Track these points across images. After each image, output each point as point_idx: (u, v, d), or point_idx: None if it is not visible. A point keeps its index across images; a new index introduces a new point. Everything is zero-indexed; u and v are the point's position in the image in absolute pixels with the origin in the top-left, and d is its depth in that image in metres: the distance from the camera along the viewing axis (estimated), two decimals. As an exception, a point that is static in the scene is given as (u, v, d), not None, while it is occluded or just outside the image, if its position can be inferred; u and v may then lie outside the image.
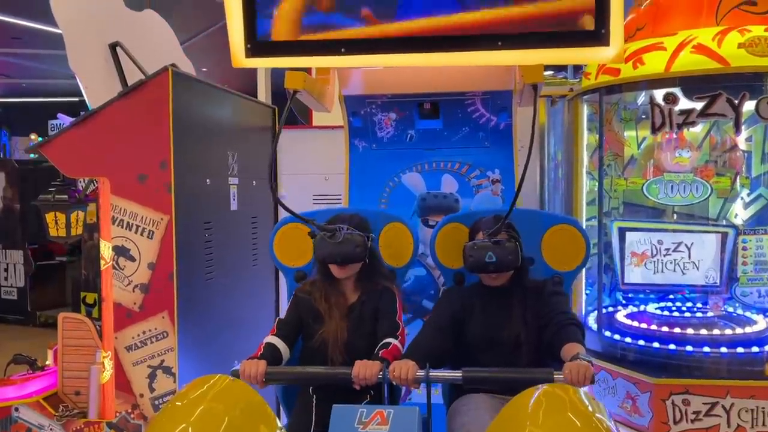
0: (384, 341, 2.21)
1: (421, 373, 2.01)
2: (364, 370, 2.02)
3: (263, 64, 2.33)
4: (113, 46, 3.02)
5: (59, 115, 4.86)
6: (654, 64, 3.13)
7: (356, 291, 2.41)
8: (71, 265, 7.66)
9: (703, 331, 3.27)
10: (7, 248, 7.70)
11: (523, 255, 2.30)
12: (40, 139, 13.85)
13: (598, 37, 2.07)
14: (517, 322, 2.27)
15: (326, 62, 2.42)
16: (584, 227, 3.77)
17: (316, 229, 2.33)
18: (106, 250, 2.67)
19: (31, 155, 12.97)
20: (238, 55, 2.24)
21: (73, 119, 2.71)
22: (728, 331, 3.28)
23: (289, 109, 2.39)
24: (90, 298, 6.85)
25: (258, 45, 2.22)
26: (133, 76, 3.03)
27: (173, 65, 2.65)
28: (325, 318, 2.35)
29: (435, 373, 2.03)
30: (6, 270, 7.73)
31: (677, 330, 3.30)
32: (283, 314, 2.47)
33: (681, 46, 3.07)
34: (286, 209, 2.34)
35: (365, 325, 2.34)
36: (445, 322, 2.34)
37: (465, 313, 2.35)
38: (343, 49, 2.19)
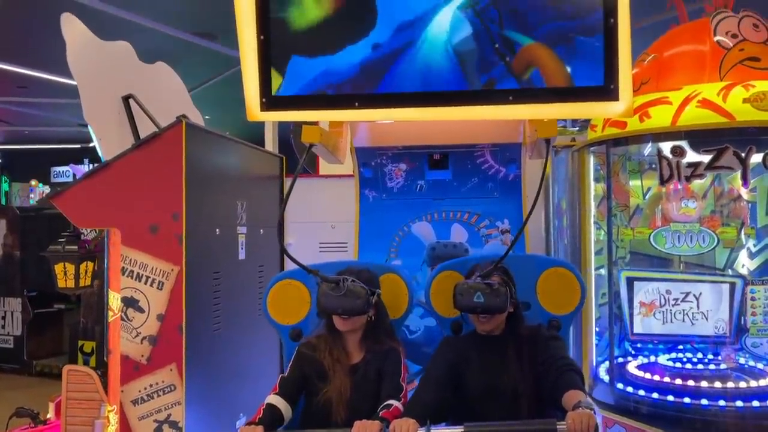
0: (386, 402, 2.17)
1: (422, 430, 1.97)
2: (364, 430, 1.97)
3: (277, 117, 2.35)
4: (126, 98, 3.07)
5: (71, 165, 4.88)
6: (660, 117, 3.18)
7: (361, 350, 2.38)
8: (69, 312, 7.59)
9: (718, 384, 3.22)
10: (5, 296, 7.64)
11: (516, 301, 2.30)
12: (40, 185, 13.94)
13: (608, 92, 2.10)
14: (515, 371, 2.24)
15: (340, 116, 2.44)
16: (593, 276, 3.79)
17: (319, 279, 2.31)
18: (114, 301, 2.65)
19: (31, 201, 13.02)
20: (253, 109, 2.26)
21: (86, 171, 2.72)
22: (743, 384, 3.23)
23: (304, 161, 2.41)
24: (88, 346, 6.76)
25: (272, 99, 2.24)
26: (145, 127, 3.06)
27: (184, 116, 2.69)
28: (329, 374, 2.31)
29: (436, 430, 2.00)
30: (3, 318, 7.65)
31: (691, 383, 3.25)
32: (286, 369, 2.43)
33: (687, 101, 3.12)
34: (292, 259, 2.31)
35: (369, 386, 2.30)
36: (442, 374, 2.30)
37: (462, 364, 2.32)
38: (356, 104, 2.22)
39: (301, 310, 2.59)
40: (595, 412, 1.90)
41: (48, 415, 3.50)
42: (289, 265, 3.10)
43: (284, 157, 3.98)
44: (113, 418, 2.62)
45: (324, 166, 4.82)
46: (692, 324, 3.59)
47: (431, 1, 2.10)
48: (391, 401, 2.17)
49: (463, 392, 2.30)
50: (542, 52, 2.10)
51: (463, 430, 1.98)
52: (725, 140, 3.15)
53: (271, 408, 2.23)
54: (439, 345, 2.46)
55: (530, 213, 2.21)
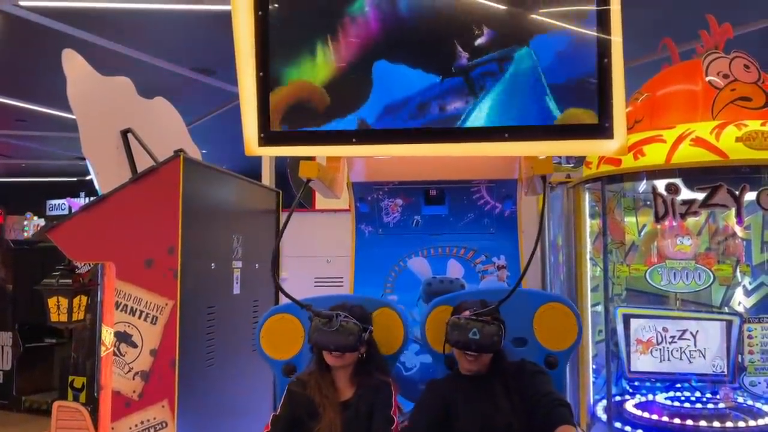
0: None
1: None
2: None
3: (276, 152, 2.37)
4: (125, 133, 3.09)
5: (68, 199, 4.88)
6: (654, 155, 3.22)
7: (351, 386, 2.34)
8: (60, 347, 7.48)
9: (716, 424, 3.19)
10: (-4, 329, 7.53)
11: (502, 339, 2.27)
12: (35, 218, 13.89)
13: (602, 130, 2.12)
14: (505, 410, 2.20)
15: (337, 151, 2.46)
16: (589, 313, 3.77)
17: (311, 314, 2.29)
18: (107, 335, 2.62)
19: (25, 234, 12.95)
20: (252, 144, 2.27)
21: (82, 204, 2.72)
22: (741, 424, 3.20)
23: (300, 196, 2.42)
24: (78, 382, 6.63)
25: (271, 135, 2.26)
26: (143, 161, 3.08)
27: (182, 150, 2.70)
28: (319, 411, 2.27)
29: None
30: (-7, 352, 7.53)
31: (690, 422, 3.22)
32: (276, 406, 2.39)
33: (680, 139, 3.17)
34: (284, 293, 2.30)
35: (360, 422, 2.26)
36: (429, 418, 2.26)
37: (451, 407, 2.27)
38: (354, 140, 2.24)
39: (295, 344, 2.55)
40: None
41: (36, 453, 3.42)
42: (285, 300, 3.09)
43: (281, 192, 3.99)
44: (102, 456, 2.56)
45: (320, 201, 4.83)
46: (690, 362, 3.57)
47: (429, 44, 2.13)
48: None
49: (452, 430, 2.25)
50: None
51: None
52: (719, 178, 3.18)
53: None
54: (425, 389, 2.42)
55: (534, 250, 2.20)
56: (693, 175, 3.23)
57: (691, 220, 3.50)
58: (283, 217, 3.88)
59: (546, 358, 2.43)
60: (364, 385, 2.32)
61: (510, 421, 2.18)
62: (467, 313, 2.26)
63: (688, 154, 3.13)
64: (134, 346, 2.58)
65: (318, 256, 4.40)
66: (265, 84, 2.21)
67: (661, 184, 3.34)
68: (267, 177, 4.84)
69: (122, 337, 2.59)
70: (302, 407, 2.31)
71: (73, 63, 2.93)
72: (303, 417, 2.30)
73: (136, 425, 2.55)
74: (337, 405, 2.29)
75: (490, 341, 2.19)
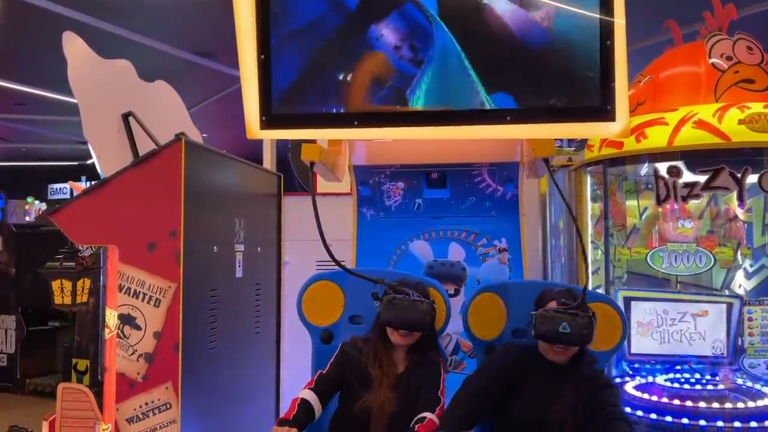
0: (420, 415, 2.16)
1: None
2: None
3: (277, 135, 2.37)
4: (126, 116, 3.08)
5: (69, 183, 4.89)
6: (656, 138, 3.21)
7: (405, 360, 2.36)
8: (63, 330, 7.52)
9: (716, 405, 3.21)
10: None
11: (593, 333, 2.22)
12: (37, 202, 13.91)
13: (605, 113, 2.12)
14: (566, 406, 2.18)
15: (339, 134, 2.47)
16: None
17: (383, 289, 2.29)
18: (111, 318, 2.63)
19: (27, 218, 12.99)
20: (253, 127, 2.28)
21: (84, 188, 2.72)
22: (740, 405, 3.22)
23: (312, 177, 2.44)
24: (81, 365, 6.70)
25: (272, 117, 2.26)
26: (144, 144, 3.07)
27: (183, 134, 2.70)
28: (374, 385, 2.29)
29: None
30: (-3, 335, 7.58)
31: (689, 403, 3.24)
32: (314, 368, 2.42)
33: (682, 122, 3.16)
34: (344, 268, 2.30)
35: (409, 398, 2.28)
36: (490, 387, 2.26)
37: (516, 379, 2.27)
38: (355, 122, 2.24)
39: (335, 312, 2.60)
40: None
41: (41, 434, 3.45)
42: (288, 281, 3.12)
43: (282, 176, 3.99)
44: (108, 437, 2.59)
45: (322, 185, 4.82)
46: (690, 344, 3.59)
47: (428, 27, 2.12)
48: (425, 414, 2.16)
49: (508, 409, 2.26)
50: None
51: None
52: (721, 161, 3.18)
53: (305, 405, 2.22)
54: (501, 349, 2.41)
55: (580, 235, 2.21)
56: (695, 158, 3.23)
57: (692, 203, 3.50)
58: (285, 200, 3.88)
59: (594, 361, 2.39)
60: (417, 362, 2.33)
61: (566, 418, 2.17)
62: (554, 304, 2.22)
63: (690, 137, 3.13)
64: (138, 328, 2.60)
65: (319, 240, 4.39)
66: (266, 66, 2.20)
67: (662, 167, 3.33)
68: (268, 161, 4.84)
69: (126, 320, 2.60)
70: (353, 372, 2.33)
71: (73, 45, 2.92)
72: (351, 381, 2.33)
73: (140, 406, 2.57)
74: (394, 378, 2.31)
75: (580, 335, 2.15)
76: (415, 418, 2.15)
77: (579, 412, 2.17)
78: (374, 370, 2.30)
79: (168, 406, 2.56)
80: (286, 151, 5.98)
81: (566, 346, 2.19)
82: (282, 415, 2.28)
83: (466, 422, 2.16)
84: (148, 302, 2.59)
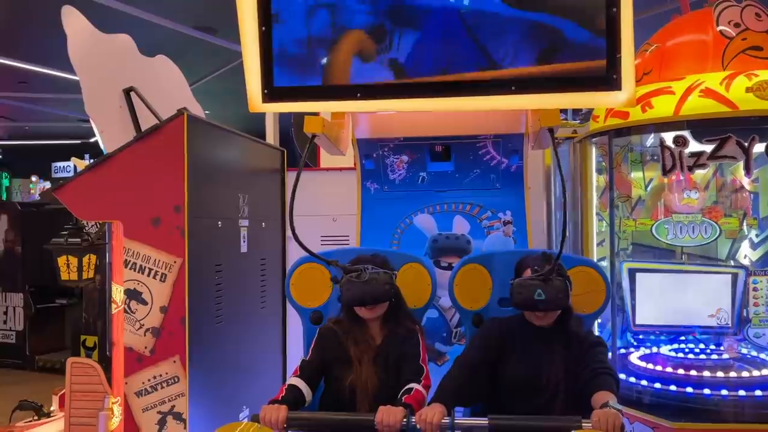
0: (407, 387, 2.18)
1: (446, 420, 1.98)
2: (388, 416, 1.98)
3: (279, 108, 2.35)
4: (127, 91, 3.06)
5: (73, 158, 4.89)
6: (663, 107, 3.18)
7: (381, 332, 2.38)
8: (70, 308, 7.59)
9: (720, 374, 3.23)
10: (7, 291, 7.64)
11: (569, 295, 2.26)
12: (41, 181, 13.93)
13: (610, 81, 2.09)
14: (557, 367, 2.23)
15: (342, 107, 2.44)
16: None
17: (338, 270, 2.31)
18: (118, 293, 2.65)
19: (32, 197, 13.02)
20: (255, 101, 2.26)
21: (88, 164, 2.72)
22: (745, 374, 3.23)
23: (308, 151, 2.41)
24: (90, 341, 6.77)
25: (274, 90, 2.24)
26: (146, 120, 3.06)
27: (185, 109, 2.68)
28: (354, 363, 2.32)
29: (460, 421, 2.01)
30: (5, 313, 7.66)
31: (693, 373, 3.26)
32: (306, 351, 2.43)
33: (689, 90, 3.12)
34: (308, 251, 2.32)
35: (391, 369, 2.31)
36: (478, 357, 2.30)
37: (504, 347, 2.31)
38: (358, 94, 2.21)
39: (323, 293, 2.62)
40: (622, 414, 1.90)
41: (51, 408, 3.51)
42: (293, 256, 3.12)
43: (285, 151, 3.98)
44: (117, 410, 2.62)
45: (325, 159, 4.81)
46: (695, 315, 3.60)
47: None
48: (412, 385, 2.18)
49: (501, 381, 2.30)
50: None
51: (487, 422, 1.98)
52: (728, 130, 3.15)
53: (294, 389, 2.24)
54: (484, 323, 2.47)
55: (565, 206, 2.22)
56: (702, 127, 3.19)
57: (698, 174, 3.47)
58: (289, 175, 3.87)
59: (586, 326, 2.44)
60: (393, 332, 2.36)
61: (558, 379, 2.21)
62: (529, 272, 2.26)
63: (697, 106, 3.09)
64: (144, 303, 2.62)
65: (324, 215, 4.39)
66: (268, 39, 2.18)
67: (668, 137, 3.30)
68: (271, 136, 4.82)
69: (132, 295, 2.62)
70: (333, 353, 2.35)
71: (72, 20, 2.89)
72: (332, 363, 2.35)
73: (148, 380, 2.60)
74: (372, 352, 2.33)
75: (555, 299, 2.19)
76: (402, 390, 2.17)
77: (571, 373, 2.21)
78: (352, 349, 2.33)
79: (176, 379, 2.59)
80: (289, 127, 5.95)
81: (544, 311, 2.24)
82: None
83: (459, 395, 2.19)
84: (154, 277, 2.61)
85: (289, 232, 4.36)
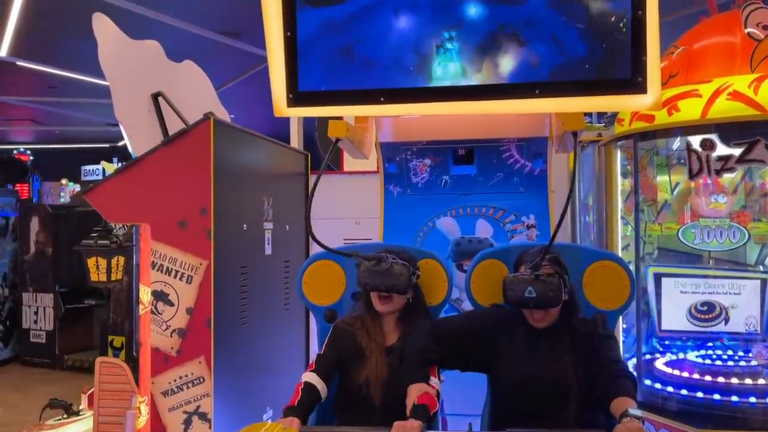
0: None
1: None
2: (403, 431, 1.95)
3: (304, 113, 2.37)
4: (155, 96, 3.11)
5: (102, 162, 4.98)
6: (689, 110, 3.14)
7: (396, 331, 2.38)
8: (99, 308, 7.74)
9: (748, 381, 3.18)
10: (37, 291, 7.81)
11: (571, 289, 2.20)
12: (70, 184, 14.20)
13: (636, 85, 2.07)
14: (566, 366, 2.14)
15: (365, 111, 2.46)
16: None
17: (359, 259, 2.30)
18: (145, 294, 2.70)
19: (62, 199, 13.28)
20: (280, 105, 2.28)
21: (117, 167, 2.77)
22: (774, 381, 3.19)
23: (330, 155, 2.43)
24: (117, 341, 6.89)
25: (299, 95, 2.26)
26: (174, 124, 3.11)
27: (212, 113, 2.73)
28: (365, 354, 2.32)
29: None
30: (36, 313, 7.82)
31: (721, 379, 3.21)
32: (320, 349, 2.44)
33: (717, 93, 3.08)
34: (324, 247, 2.34)
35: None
36: (458, 334, 2.25)
37: (495, 341, 2.24)
38: (382, 98, 2.23)
39: (337, 290, 2.60)
40: (643, 422, 1.84)
41: (80, 406, 3.58)
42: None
43: (309, 154, 4.01)
44: (144, 409, 2.66)
45: (348, 163, 4.85)
46: (723, 321, 3.54)
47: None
48: (422, 384, 2.15)
49: (503, 377, 2.24)
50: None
51: None
52: (757, 133, 3.10)
53: (309, 387, 2.24)
54: (487, 310, 2.39)
55: (567, 204, 2.15)
56: (730, 131, 3.15)
57: (726, 178, 3.43)
58: (312, 180, 3.90)
59: (594, 317, 2.34)
60: (408, 331, 2.34)
61: (567, 378, 2.12)
62: (523, 268, 2.21)
63: (724, 109, 3.05)
64: (171, 304, 2.65)
65: (347, 218, 4.42)
66: (293, 44, 2.20)
67: (695, 141, 3.27)
68: (295, 140, 4.86)
69: (159, 296, 2.66)
70: (347, 348, 2.36)
71: (103, 26, 2.95)
72: (347, 357, 2.35)
73: (174, 380, 2.64)
74: (383, 349, 2.33)
75: (546, 297, 2.11)
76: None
77: (579, 370, 2.13)
78: (363, 339, 2.33)
79: (201, 379, 2.63)
80: (314, 130, 6.00)
81: (537, 309, 2.16)
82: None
83: (429, 356, 2.18)
84: (181, 279, 2.65)
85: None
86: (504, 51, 2.11)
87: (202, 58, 4.22)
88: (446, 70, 2.15)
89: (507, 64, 2.12)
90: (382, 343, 2.35)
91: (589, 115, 5.41)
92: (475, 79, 2.15)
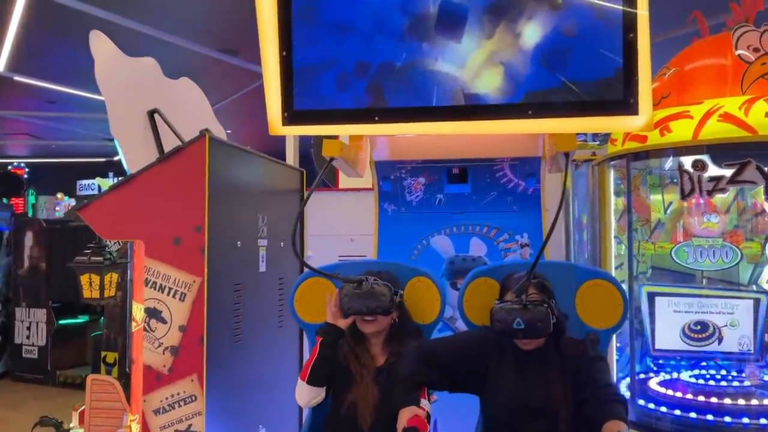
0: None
1: None
2: None
3: (299, 131, 2.40)
4: (151, 113, 3.13)
5: (98, 179, 4.99)
6: (681, 131, 3.17)
7: (384, 352, 2.36)
8: (92, 324, 7.69)
9: (741, 401, 3.17)
10: (31, 307, 7.76)
11: (560, 314, 2.18)
12: (66, 198, 14.17)
13: (628, 106, 2.10)
14: (555, 389, 2.13)
15: (360, 130, 2.49)
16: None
17: (341, 281, 2.31)
18: (138, 312, 2.69)
19: (57, 214, 13.24)
20: (275, 123, 2.30)
21: (111, 184, 2.78)
22: (767, 401, 3.18)
23: (322, 174, 2.44)
24: (110, 357, 6.84)
25: (294, 114, 2.28)
26: (169, 141, 3.12)
27: (207, 130, 2.74)
28: (355, 379, 2.31)
29: None
30: (29, 328, 7.76)
31: (714, 400, 3.21)
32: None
33: (708, 115, 3.12)
34: (308, 266, 2.34)
35: (392, 389, 2.26)
36: (442, 359, 2.22)
37: (482, 364, 2.22)
38: (376, 118, 2.25)
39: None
40: None
41: (71, 424, 3.55)
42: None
43: (305, 171, 4.02)
44: (135, 428, 2.65)
45: (344, 180, 4.86)
46: (716, 341, 3.55)
47: (450, 17, 2.12)
48: (412, 407, 2.15)
49: (491, 401, 2.23)
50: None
51: None
52: (747, 154, 3.13)
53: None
54: (476, 332, 2.36)
55: (553, 225, 2.17)
56: (721, 152, 3.18)
57: (719, 198, 3.45)
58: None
59: (587, 336, 2.30)
60: (396, 351, 2.31)
61: (557, 402, 2.11)
62: (510, 295, 2.18)
63: (716, 130, 3.08)
64: (164, 322, 2.64)
65: (342, 235, 4.44)
66: (288, 63, 2.22)
67: (687, 161, 3.29)
68: (291, 156, 4.88)
69: (152, 313, 2.65)
70: (335, 371, 2.35)
71: (100, 44, 2.97)
72: (335, 375, 2.34)
73: (166, 398, 2.62)
74: (373, 372, 2.31)
75: (534, 329, 2.09)
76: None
77: (569, 394, 2.11)
78: (353, 365, 2.32)
79: (193, 398, 2.61)
80: (309, 147, 6.02)
81: (525, 338, 2.15)
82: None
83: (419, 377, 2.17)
84: (174, 296, 2.64)
85: (308, 251, 4.42)
86: (497, 72, 2.14)
87: (200, 75, 4.25)
88: (439, 91, 2.17)
89: (501, 85, 2.15)
90: (371, 366, 2.33)
91: (583, 133, 5.45)
92: (468, 100, 2.17)
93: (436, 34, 2.14)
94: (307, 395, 2.36)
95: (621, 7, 2.03)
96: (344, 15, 2.20)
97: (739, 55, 3.31)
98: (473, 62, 2.14)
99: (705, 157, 3.23)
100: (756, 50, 3.29)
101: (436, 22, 2.13)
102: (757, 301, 3.54)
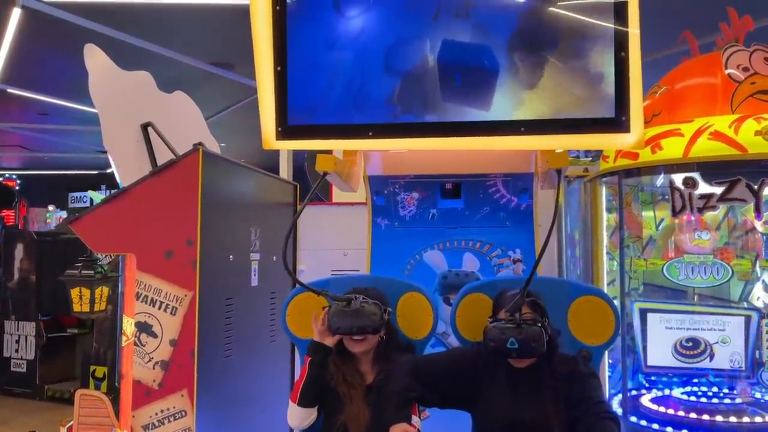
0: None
1: None
2: None
3: (293, 146, 2.40)
4: (145, 126, 3.13)
5: (90, 192, 4.98)
6: (672, 149, 3.20)
7: (373, 370, 2.35)
8: (82, 337, 7.62)
9: (733, 419, 3.18)
10: (20, 320, 7.68)
11: (553, 332, 2.18)
12: (58, 210, 14.12)
13: (619, 124, 2.12)
14: (547, 407, 2.13)
15: (354, 145, 2.50)
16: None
17: (329, 299, 2.30)
18: (128, 326, 2.67)
19: (49, 225, 13.18)
20: (269, 138, 2.31)
21: (104, 197, 2.77)
22: (758, 419, 3.18)
23: (315, 189, 2.44)
24: (99, 371, 6.77)
25: (288, 128, 2.29)
26: (163, 154, 3.12)
27: (201, 144, 2.74)
28: (344, 399, 2.30)
29: None
30: (17, 342, 7.68)
31: (706, 417, 3.21)
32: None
33: (698, 133, 3.14)
34: (298, 282, 2.33)
35: (382, 406, 2.24)
36: (433, 376, 2.21)
37: (475, 380, 2.21)
38: (370, 133, 2.26)
39: None
40: None
41: (59, 440, 3.50)
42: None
43: (298, 185, 4.03)
44: (124, 444, 2.62)
45: (337, 194, 4.86)
46: (708, 358, 3.55)
47: (441, 34, 2.14)
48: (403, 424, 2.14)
49: (484, 419, 2.23)
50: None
51: None
52: (737, 172, 3.16)
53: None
54: (466, 347, 2.36)
55: (546, 241, 2.17)
56: (711, 169, 3.21)
57: (710, 215, 3.47)
58: (301, 209, 3.91)
59: (579, 352, 2.33)
60: (386, 368, 2.30)
61: (548, 420, 2.11)
62: (503, 314, 2.18)
63: (706, 148, 3.11)
64: (154, 336, 2.63)
65: (335, 249, 4.42)
66: (283, 78, 2.24)
67: (678, 178, 3.32)
68: (285, 170, 4.89)
69: (142, 328, 2.63)
70: (325, 391, 2.33)
71: (94, 57, 2.98)
72: (325, 400, 2.33)
73: (156, 413, 2.60)
74: (363, 391, 2.29)
75: (528, 348, 2.09)
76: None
77: (561, 411, 2.11)
78: (342, 386, 2.29)
79: (183, 413, 2.59)
80: (303, 161, 6.03)
81: (518, 359, 2.14)
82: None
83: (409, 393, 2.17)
84: (165, 310, 2.63)
85: (300, 266, 4.40)
86: (490, 89, 2.16)
87: (195, 88, 4.26)
88: (434, 107, 2.19)
89: (493, 101, 2.16)
90: (362, 385, 2.31)
91: (574, 150, 5.49)
92: (462, 117, 2.19)
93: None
94: (299, 417, 2.34)
95: (613, 26, 2.06)
96: (339, 32, 2.21)
97: (728, 74, 3.35)
98: (468, 79, 2.16)
99: (696, 175, 3.25)
100: (745, 69, 3.33)
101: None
102: (748, 318, 3.55)
